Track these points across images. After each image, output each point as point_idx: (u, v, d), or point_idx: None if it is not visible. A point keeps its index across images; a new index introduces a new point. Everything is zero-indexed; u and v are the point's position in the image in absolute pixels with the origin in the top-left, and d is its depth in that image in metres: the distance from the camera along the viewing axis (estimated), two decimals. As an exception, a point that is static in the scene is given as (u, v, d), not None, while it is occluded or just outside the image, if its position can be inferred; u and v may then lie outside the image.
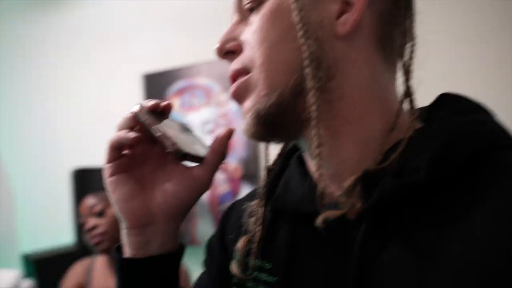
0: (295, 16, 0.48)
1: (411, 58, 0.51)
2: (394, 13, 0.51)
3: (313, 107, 0.47)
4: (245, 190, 2.28)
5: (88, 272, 1.72)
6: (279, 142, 0.57)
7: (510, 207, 0.40)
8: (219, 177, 2.34)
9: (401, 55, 0.52)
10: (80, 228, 1.67)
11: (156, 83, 2.53)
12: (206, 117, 2.38)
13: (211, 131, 2.37)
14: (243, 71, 0.53)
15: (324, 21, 0.49)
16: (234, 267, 0.57)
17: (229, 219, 0.67)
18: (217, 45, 0.55)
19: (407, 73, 0.50)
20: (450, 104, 0.51)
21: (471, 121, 0.47)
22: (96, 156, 2.80)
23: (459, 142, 0.44)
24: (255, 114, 0.51)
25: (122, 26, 2.71)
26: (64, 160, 2.79)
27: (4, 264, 3.00)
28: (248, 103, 0.52)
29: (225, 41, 0.54)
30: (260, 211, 0.58)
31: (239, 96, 0.54)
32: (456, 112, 0.49)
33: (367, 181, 0.46)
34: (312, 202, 0.49)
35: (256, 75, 0.51)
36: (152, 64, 2.57)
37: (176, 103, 2.47)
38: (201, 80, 2.40)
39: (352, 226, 0.46)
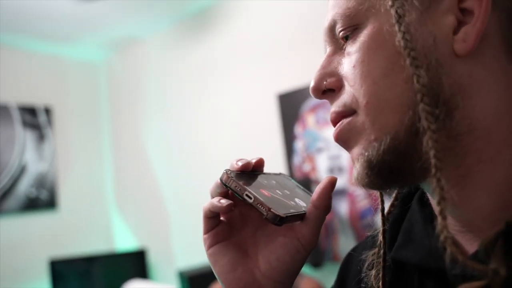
0: (400, 41, 0.40)
1: None
2: None
3: (431, 152, 0.37)
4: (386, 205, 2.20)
5: None
6: (399, 189, 0.48)
7: None
8: (359, 191, 2.29)
9: None
10: None
11: (290, 102, 2.57)
12: (341, 131, 2.35)
13: (347, 145, 2.33)
14: (347, 113, 0.45)
15: (438, 40, 0.40)
16: None
17: (349, 271, 0.60)
18: (312, 84, 0.48)
19: None
20: None
21: None
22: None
23: None
24: (366, 163, 0.43)
25: (255, 50, 2.81)
26: (210, 181, 2.94)
27: (163, 280, 3.25)
28: (356, 149, 0.44)
29: (322, 78, 0.47)
30: (381, 262, 0.50)
31: (344, 141, 0.46)
32: None
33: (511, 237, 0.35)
34: (442, 256, 0.39)
35: (363, 117, 0.43)
36: (286, 84, 2.63)
37: (311, 119, 2.48)
38: (335, 95, 2.38)
39: None
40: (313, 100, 2.47)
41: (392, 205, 0.54)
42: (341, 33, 0.46)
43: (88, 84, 3.82)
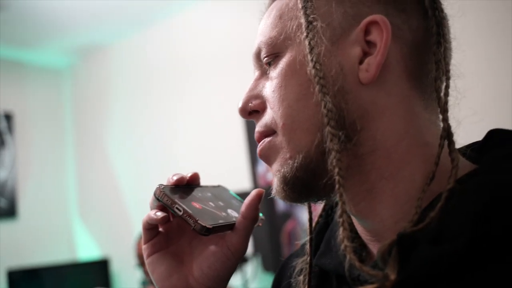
0: (311, 70, 0.44)
1: (446, 94, 0.44)
2: (425, 41, 0.45)
3: (335, 170, 0.41)
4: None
5: None
6: (315, 202, 0.52)
7: None
8: (321, 200, 2.33)
9: (436, 90, 0.45)
10: (141, 267, 1.75)
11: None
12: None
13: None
14: (268, 133, 0.49)
15: (345, 69, 0.44)
16: None
17: (282, 278, 0.64)
18: (239, 105, 0.52)
19: (444, 111, 0.43)
20: (500, 145, 0.44)
21: None
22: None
23: (506, 200, 0.36)
24: (282, 178, 0.47)
25: (221, 58, 2.84)
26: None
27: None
28: (275, 166, 0.49)
29: (248, 100, 0.52)
30: (307, 269, 0.54)
31: (265, 158, 0.50)
32: (507, 156, 0.42)
33: (403, 246, 0.38)
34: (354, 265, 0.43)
35: (280, 137, 0.47)
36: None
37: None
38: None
39: None
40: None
41: (320, 216, 0.58)
42: (265, 59, 0.50)
43: (51, 90, 3.76)
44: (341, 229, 0.41)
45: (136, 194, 3.28)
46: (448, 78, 0.44)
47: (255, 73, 0.53)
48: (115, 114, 3.46)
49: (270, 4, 0.52)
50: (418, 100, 0.45)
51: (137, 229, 3.22)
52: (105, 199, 3.47)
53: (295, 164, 0.46)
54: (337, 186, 0.41)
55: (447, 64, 0.45)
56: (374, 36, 0.44)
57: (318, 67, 0.43)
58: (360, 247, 0.50)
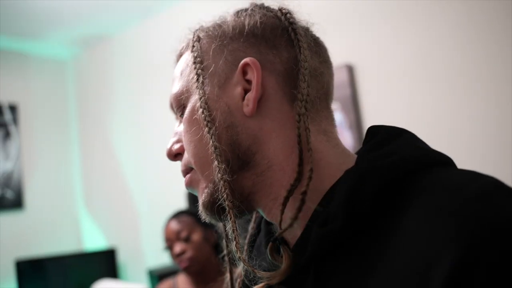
0: (200, 114, 0.53)
1: (301, 113, 0.50)
2: (296, 68, 0.53)
3: (224, 196, 0.51)
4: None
5: None
6: (239, 218, 0.57)
7: (431, 223, 0.39)
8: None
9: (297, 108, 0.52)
10: (169, 250, 1.76)
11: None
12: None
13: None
14: (189, 170, 0.58)
15: (232, 108, 0.53)
16: None
17: None
18: (166, 151, 0.61)
19: (298, 129, 0.50)
20: (371, 139, 0.53)
21: (383, 154, 0.48)
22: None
23: (365, 181, 0.45)
24: (202, 205, 0.56)
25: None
26: (180, 179, 2.95)
27: (133, 279, 3.24)
28: (198, 195, 0.57)
29: (172, 145, 0.61)
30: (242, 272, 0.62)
31: (191, 190, 0.59)
32: (373, 147, 0.50)
33: (306, 235, 0.48)
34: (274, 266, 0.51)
35: (195, 173, 0.56)
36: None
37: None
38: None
39: (304, 275, 0.49)
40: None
41: (252, 227, 0.65)
42: (177, 111, 0.59)
43: (55, 81, 3.76)
44: (233, 243, 0.51)
45: (142, 183, 3.29)
46: (304, 75, 0.51)
47: (176, 121, 0.62)
48: (119, 104, 3.46)
49: (176, 61, 0.64)
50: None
51: (143, 218, 3.24)
52: (111, 189, 3.49)
53: (209, 191, 0.54)
54: (227, 209, 0.51)
55: (308, 84, 0.52)
56: (249, 75, 0.52)
57: (205, 112, 0.52)
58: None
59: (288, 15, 0.55)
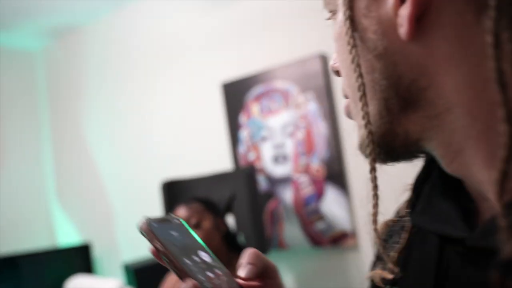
0: (348, 38, 0.40)
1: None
2: None
3: (367, 147, 0.42)
4: (329, 191, 2.25)
5: None
6: (409, 160, 0.46)
7: None
8: (303, 179, 2.33)
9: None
10: None
11: (235, 91, 2.57)
12: (285, 120, 2.39)
13: (291, 134, 2.37)
14: (346, 96, 0.47)
15: (385, 26, 0.39)
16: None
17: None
18: (330, 63, 0.51)
19: (494, 33, 0.33)
20: None
21: None
22: (183, 167, 2.89)
23: None
24: (359, 146, 0.46)
25: (198, 39, 2.79)
26: (155, 172, 2.92)
27: (109, 274, 3.20)
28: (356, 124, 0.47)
29: (334, 60, 0.49)
30: (406, 226, 0.49)
31: (348, 117, 0.49)
32: None
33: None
34: (461, 226, 0.39)
35: (351, 102, 0.46)
36: (230, 73, 2.62)
37: (255, 108, 2.49)
38: (279, 84, 2.41)
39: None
40: (257, 89, 2.48)
41: (420, 170, 0.50)
42: (330, 15, 0.47)
43: (25, 73, 3.66)
44: (372, 209, 0.39)
45: (116, 177, 3.24)
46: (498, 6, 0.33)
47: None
48: (92, 96, 3.40)
49: None
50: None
51: (118, 212, 3.20)
52: (84, 183, 3.43)
53: (361, 134, 0.44)
54: (370, 160, 0.42)
55: None
56: None
57: (349, 33, 0.40)
58: (466, 206, 0.42)
59: None
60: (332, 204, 2.26)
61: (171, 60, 2.94)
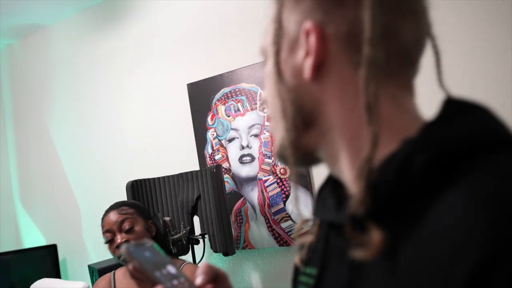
0: (273, 74, 0.56)
1: (368, 79, 0.48)
2: (360, 27, 0.49)
3: (287, 152, 0.56)
4: (295, 191, 2.29)
5: (113, 284, 1.80)
6: (313, 165, 0.62)
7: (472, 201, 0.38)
8: (268, 178, 2.35)
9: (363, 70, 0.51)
10: (109, 243, 1.72)
11: (201, 91, 2.59)
12: (252, 121, 2.41)
13: (257, 135, 2.39)
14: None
15: (296, 70, 0.54)
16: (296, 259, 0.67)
17: None
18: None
19: (366, 80, 0.48)
20: (442, 111, 0.50)
21: (446, 128, 0.46)
22: (150, 168, 2.88)
23: (417, 153, 0.44)
24: (276, 153, 0.61)
25: (165, 40, 2.79)
26: (121, 172, 2.91)
27: (75, 276, 3.17)
28: (276, 143, 0.62)
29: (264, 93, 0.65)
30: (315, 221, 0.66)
31: (273, 133, 0.63)
32: (440, 119, 0.48)
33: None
34: (334, 212, 0.55)
35: (273, 122, 0.60)
36: (196, 73, 2.63)
37: (222, 109, 2.51)
38: (244, 85, 2.43)
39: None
40: (223, 90, 2.50)
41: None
42: (263, 61, 0.62)
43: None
44: (293, 197, 0.54)
45: (81, 177, 3.21)
46: (367, 64, 0.48)
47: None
48: (56, 95, 3.35)
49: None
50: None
51: (84, 214, 3.17)
52: (49, 185, 3.38)
53: (280, 143, 0.58)
54: (289, 163, 0.56)
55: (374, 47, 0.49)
56: (311, 39, 0.52)
57: (276, 74, 0.55)
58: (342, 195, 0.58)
59: None
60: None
61: (138, 60, 2.93)
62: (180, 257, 2.15)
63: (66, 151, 3.31)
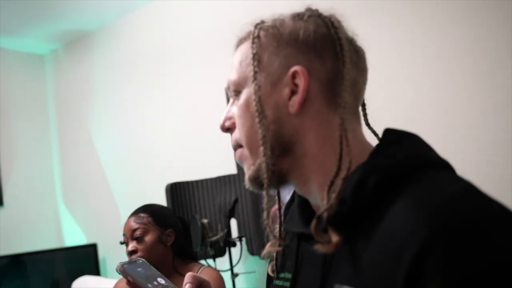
0: (254, 107, 0.63)
1: (343, 118, 0.60)
2: (337, 78, 0.62)
3: (264, 176, 0.63)
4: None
5: None
6: (276, 189, 0.73)
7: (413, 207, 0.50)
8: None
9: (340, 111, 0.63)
10: (125, 244, 1.78)
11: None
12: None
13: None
14: (239, 145, 0.69)
15: (279, 104, 0.63)
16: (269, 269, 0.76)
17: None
18: (220, 123, 0.72)
19: (342, 119, 0.60)
20: (382, 139, 0.64)
21: (388, 154, 0.59)
22: (187, 171, 2.92)
23: (369, 176, 0.56)
24: (249, 179, 0.68)
25: (204, 44, 2.84)
26: (160, 175, 2.97)
27: (114, 275, 3.24)
28: (245, 168, 0.69)
29: (224, 121, 0.72)
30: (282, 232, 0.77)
31: (240, 162, 0.70)
32: (382, 147, 0.62)
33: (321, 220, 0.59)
34: (302, 225, 0.67)
35: (245, 150, 0.67)
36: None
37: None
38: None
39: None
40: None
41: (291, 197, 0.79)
42: (232, 93, 0.69)
43: (34, 77, 3.73)
44: (264, 214, 0.65)
45: (122, 178, 3.29)
46: (345, 106, 0.61)
47: (230, 99, 0.71)
48: (99, 99, 3.45)
49: (238, 45, 0.73)
50: (335, 116, 0.63)
51: (123, 213, 3.25)
52: (90, 185, 3.48)
53: (254, 169, 0.66)
54: (265, 185, 0.63)
55: (349, 93, 0.63)
56: (297, 80, 0.62)
57: (258, 106, 0.63)
58: (311, 214, 0.69)
59: (337, 29, 0.64)
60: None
61: (177, 64, 2.99)
62: (216, 259, 2.19)
63: (106, 154, 3.40)
